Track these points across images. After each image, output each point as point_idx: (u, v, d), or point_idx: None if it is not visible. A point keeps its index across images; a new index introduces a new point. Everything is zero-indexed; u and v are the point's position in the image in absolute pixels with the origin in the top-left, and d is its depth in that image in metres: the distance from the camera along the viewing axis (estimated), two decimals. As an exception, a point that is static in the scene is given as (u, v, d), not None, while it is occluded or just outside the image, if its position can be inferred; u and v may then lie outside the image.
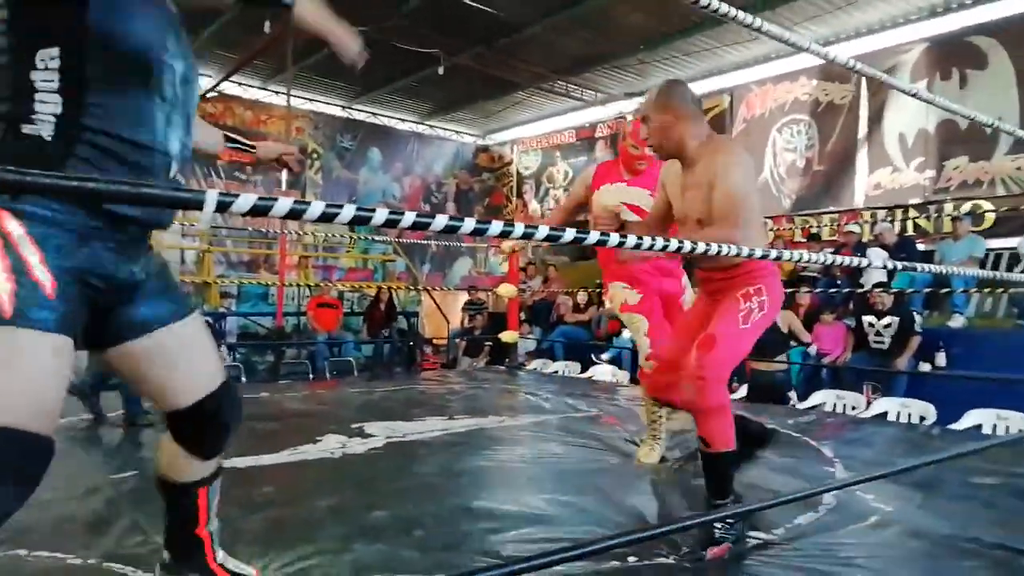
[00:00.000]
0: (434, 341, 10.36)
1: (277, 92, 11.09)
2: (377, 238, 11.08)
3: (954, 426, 4.01)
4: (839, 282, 7.14)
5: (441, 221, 1.03)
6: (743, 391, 5.69)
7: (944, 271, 2.41)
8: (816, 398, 5.18)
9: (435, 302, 10.04)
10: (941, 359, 5.88)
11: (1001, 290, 5.28)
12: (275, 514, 2.24)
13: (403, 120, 13.28)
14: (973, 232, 7.12)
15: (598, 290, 8.73)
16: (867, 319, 6.02)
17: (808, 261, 1.83)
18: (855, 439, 3.64)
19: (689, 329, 2.36)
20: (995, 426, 3.93)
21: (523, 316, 8.55)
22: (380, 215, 0.98)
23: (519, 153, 13.87)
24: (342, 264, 11.75)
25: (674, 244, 1.44)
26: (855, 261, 5.34)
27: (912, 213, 8.13)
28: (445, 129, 13.95)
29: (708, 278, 2.32)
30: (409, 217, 1.01)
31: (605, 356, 7.40)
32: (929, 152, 8.18)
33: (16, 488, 1.13)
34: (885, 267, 2.45)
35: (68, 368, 1.18)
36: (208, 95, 9.86)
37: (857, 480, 2.28)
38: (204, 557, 1.56)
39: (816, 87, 9.28)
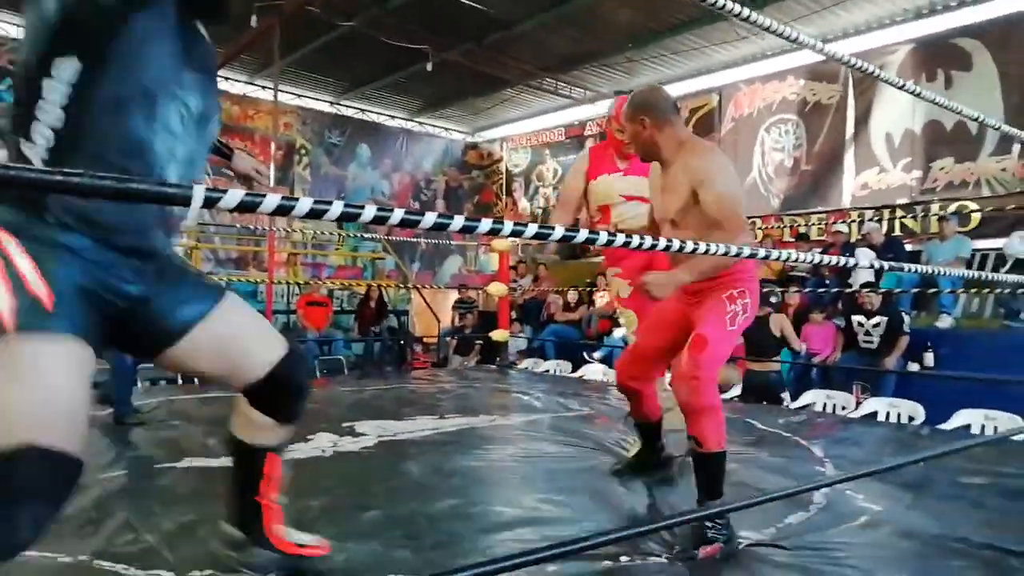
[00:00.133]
0: (424, 340, 10.35)
1: (264, 87, 11.02)
2: (366, 235, 11.05)
3: (943, 426, 4.03)
4: (828, 282, 7.19)
5: (431, 218, 1.01)
6: (735, 390, 5.72)
7: (931, 271, 2.42)
8: (806, 398, 5.21)
9: (425, 300, 10.01)
10: (929, 359, 5.92)
11: (987, 291, 5.32)
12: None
13: (392, 116, 13.22)
14: (960, 232, 7.18)
15: (588, 289, 8.76)
16: (856, 319, 6.06)
17: (796, 261, 1.84)
18: (845, 439, 3.65)
19: (665, 327, 2.42)
20: (983, 426, 3.96)
21: (514, 315, 8.55)
22: (369, 212, 0.96)
23: (509, 151, 13.86)
24: (331, 262, 11.71)
25: (662, 243, 1.43)
26: (843, 261, 5.37)
27: (899, 213, 8.19)
28: (434, 126, 13.91)
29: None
30: (398, 214, 0.99)
31: (597, 355, 7.41)
32: (916, 153, 8.25)
33: (42, 509, 1.11)
34: (872, 267, 2.46)
35: (85, 376, 1.18)
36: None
37: (846, 478, 2.29)
38: (262, 525, 1.58)
39: (804, 87, 9.33)
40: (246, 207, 0.86)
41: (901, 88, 2.20)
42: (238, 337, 1.44)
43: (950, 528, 2.20)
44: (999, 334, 6.17)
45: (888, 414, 4.51)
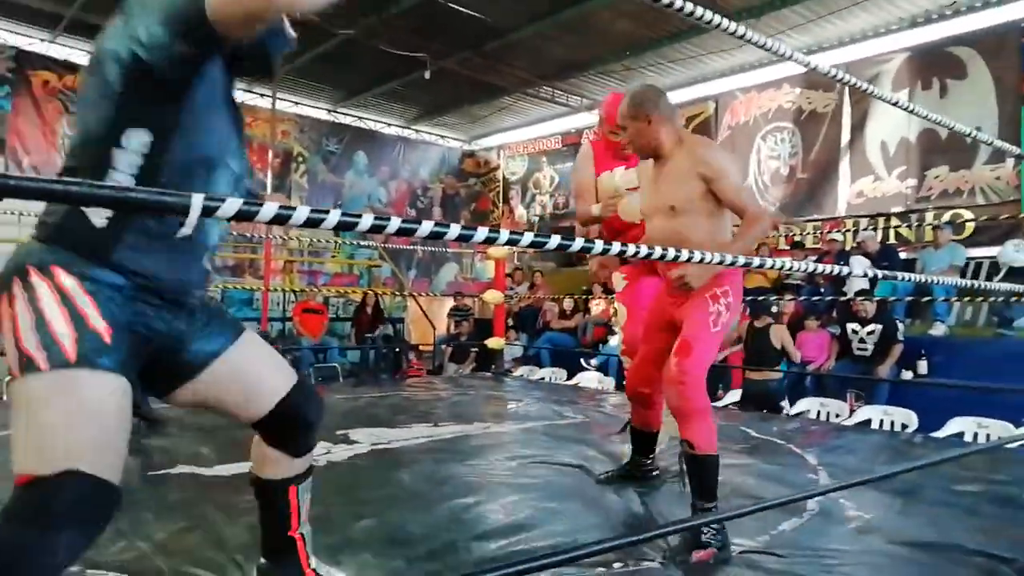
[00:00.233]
0: (420, 347, 10.32)
1: (262, 95, 11.03)
2: (363, 243, 11.04)
3: (936, 434, 4.04)
4: (823, 290, 7.21)
5: (427, 227, 1.02)
6: (733, 397, 5.73)
7: (924, 280, 2.43)
8: (800, 405, 5.21)
9: (421, 308, 10.00)
10: (923, 367, 5.94)
11: (981, 299, 5.34)
12: (258, 522, 2.21)
13: (389, 124, 13.25)
14: (954, 241, 7.21)
15: (584, 297, 8.78)
16: (851, 327, 6.08)
17: (791, 269, 1.85)
18: (838, 446, 3.66)
19: (660, 328, 2.46)
20: (976, 434, 3.97)
21: (509, 322, 8.55)
22: (366, 220, 0.98)
23: (505, 158, 13.89)
24: (327, 269, 11.70)
25: (658, 251, 1.44)
26: (837, 269, 5.39)
27: (894, 222, 8.23)
28: (431, 134, 13.94)
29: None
30: (395, 223, 1.01)
31: (593, 362, 7.42)
32: (911, 161, 8.29)
33: (80, 535, 1.15)
34: (866, 275, 2.48)
35: (129, 411, 1.23)
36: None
37: (840, 486, 2.30)
38: (299, 559, 1.61)
39: (800, 95, 9.38)
40: (244, 216, 0.87)
41: (895, 105, 2.23)
42: (253, 369, 1.48)
43: (943, 535, 2.22)
44: (992, 342, 6.19)
45: (882, 422, 4.52)
